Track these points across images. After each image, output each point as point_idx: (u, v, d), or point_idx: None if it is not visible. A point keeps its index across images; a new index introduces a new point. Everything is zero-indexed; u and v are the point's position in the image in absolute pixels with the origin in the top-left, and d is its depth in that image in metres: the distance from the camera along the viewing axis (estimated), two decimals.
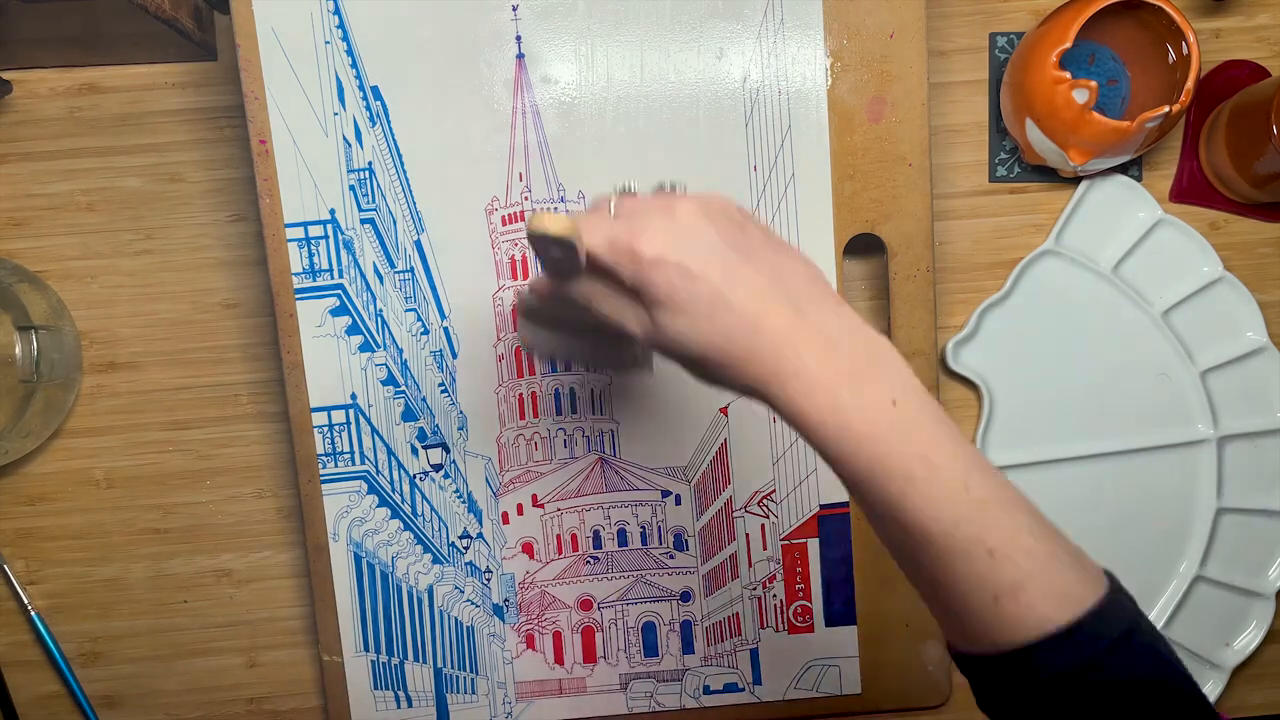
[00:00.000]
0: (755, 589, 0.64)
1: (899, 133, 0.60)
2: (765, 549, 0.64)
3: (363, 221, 0.60)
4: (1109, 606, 0.39)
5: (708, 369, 0.41)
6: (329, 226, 0.60)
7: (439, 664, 0.64)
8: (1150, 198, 0.65)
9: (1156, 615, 0.66)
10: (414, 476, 0.63)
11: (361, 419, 0.62)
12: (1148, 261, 0.65)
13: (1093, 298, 0.65)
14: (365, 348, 0.61)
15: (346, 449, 0.62)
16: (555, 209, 0.61)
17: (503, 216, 0.61)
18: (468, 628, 0.64)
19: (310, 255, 0.60)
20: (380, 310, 0.61)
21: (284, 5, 0.58)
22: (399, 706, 0.64)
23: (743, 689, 0.65)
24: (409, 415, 0.62)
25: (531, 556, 0.64)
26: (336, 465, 0.62)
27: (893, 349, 0.41)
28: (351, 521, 0.62)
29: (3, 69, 0.63)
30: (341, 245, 0.60)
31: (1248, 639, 0.66)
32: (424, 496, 0.63)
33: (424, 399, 0.62)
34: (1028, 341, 0.66)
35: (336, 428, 0.61)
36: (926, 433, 0.39)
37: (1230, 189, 0.65)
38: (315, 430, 0.61)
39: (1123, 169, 0.65)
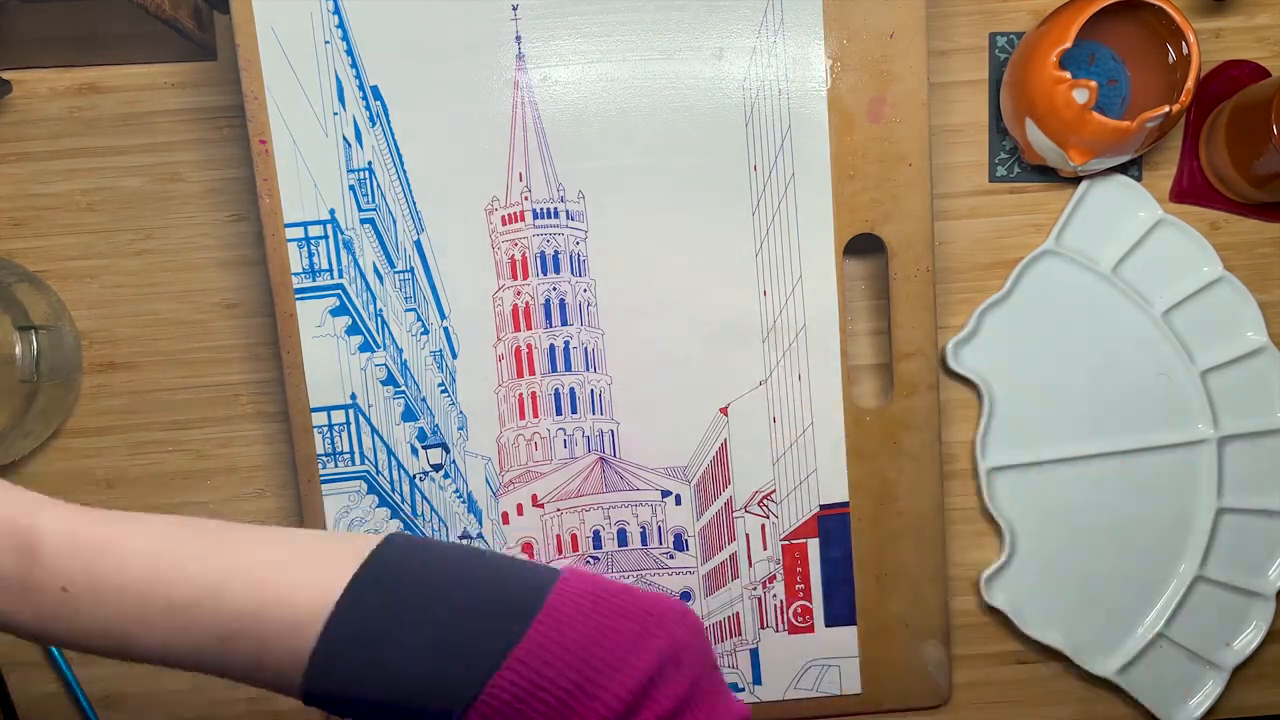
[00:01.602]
0: (755, 589, 0.64)
1: (899, 133, 0.60)
2: (765, 549, 0.64)
3: (362, 221, 0.60)
4: (339, 628, 0.37)
5: None
6: (329, 226, 0.60)
7: None
8: (1150, 198, 0.65)
9: (1156, 615, 0.66)
10: (414, 476, 0.63)
11: (361, 419, 0.62)
12: (1148, 261, 0.65)
13: (1093, 298, 0.65)
14: (365, 348, 0.61)
15: (346, 449, 0.62)
16: (551, 213, 0.61)
17: (502, 216, 0.61)
18: None
19: (310, 255, 0.60)
20: (380, 310, 0.61)
21: (284, 5, 0.58)
22: None
23: (743, 689, 0.65)
24: (409, 415, 0.62)
25: (531, 557, 0.64)
26: (336, 465, 0.62)
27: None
28: (351, 521, 0.62)
29: (3, 69, 0.63)
30: (341, 245, 0.60)
31: (1248, 639, 0.66)
32: (424, 496, 0.63)
33: (424, 399, 0.62)
34: (1028, 341, 0.65)
35: (336, 428, 0.61)
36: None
37: (1230, 189, 0.65)
38: (315, 430, 0.61)
39: (1123, 169, 0.65)
